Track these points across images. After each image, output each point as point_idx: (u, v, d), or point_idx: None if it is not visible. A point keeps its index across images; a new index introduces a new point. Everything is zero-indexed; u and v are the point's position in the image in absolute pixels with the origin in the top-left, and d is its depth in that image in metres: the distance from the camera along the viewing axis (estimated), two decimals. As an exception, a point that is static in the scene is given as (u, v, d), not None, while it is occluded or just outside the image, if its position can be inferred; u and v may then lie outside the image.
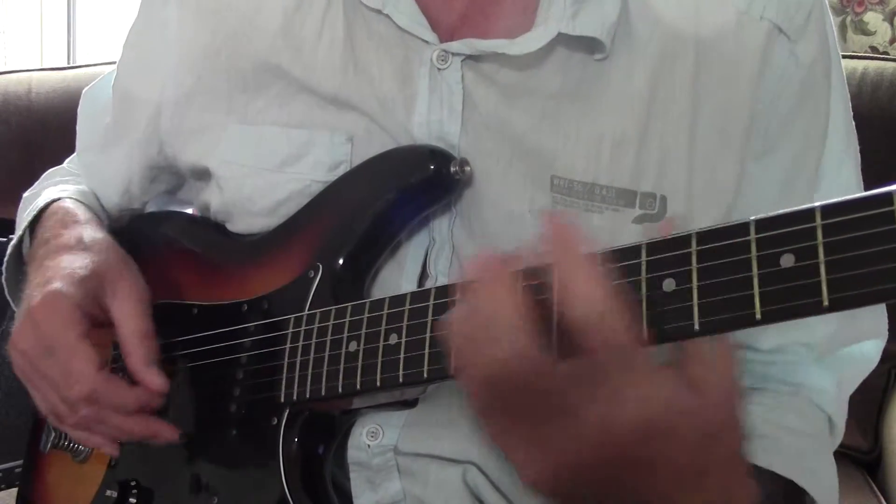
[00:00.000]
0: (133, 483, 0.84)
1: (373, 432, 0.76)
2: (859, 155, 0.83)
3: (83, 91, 1.07)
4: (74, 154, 1.08)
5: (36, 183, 1.05)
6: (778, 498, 0.74)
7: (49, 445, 0.93)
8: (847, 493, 1.39)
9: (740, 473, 0.58)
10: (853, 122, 0.83)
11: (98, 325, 0.80)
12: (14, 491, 1.16)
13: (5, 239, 1.26)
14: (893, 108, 1.48)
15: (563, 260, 0.51)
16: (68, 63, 3.09)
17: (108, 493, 0.84)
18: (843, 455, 1.52)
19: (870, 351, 0.85)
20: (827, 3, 0.81)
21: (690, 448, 0.52)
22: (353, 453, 0.77)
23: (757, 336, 0.81)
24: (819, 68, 0.78)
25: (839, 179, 0.80)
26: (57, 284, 0.79)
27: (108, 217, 1.00)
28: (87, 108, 1.05)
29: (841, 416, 0.85)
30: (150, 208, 1.01)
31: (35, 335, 0.78)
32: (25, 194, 1.03)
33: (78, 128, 1.07)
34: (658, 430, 0.50)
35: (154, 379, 0.78)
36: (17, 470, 1.16)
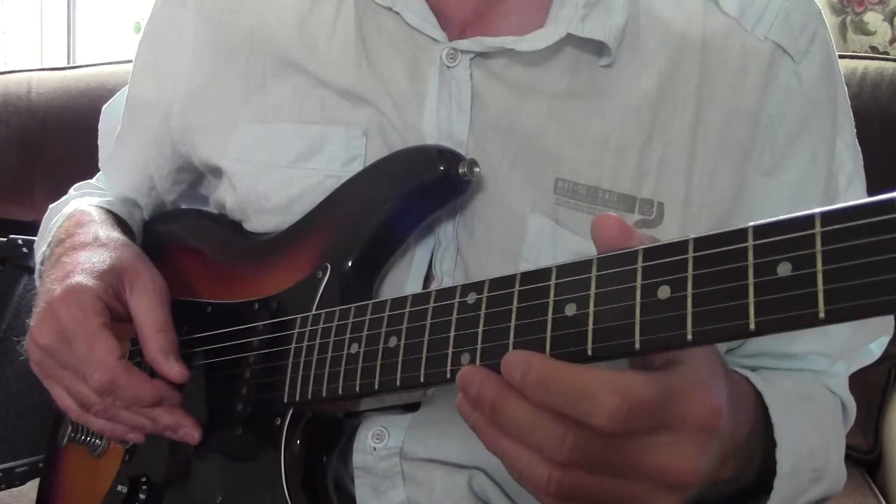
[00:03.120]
0: (144, 479, 0.84)
1: (378, 434, 0.76)
2: (864, 172, 0.85)
3: (103, 108, 1.09)
4: (101, 172, 1.09)
5: (64, 196, 1.06)
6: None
7: (66, 440, 0.93)
8: (847, 493, 1.39)
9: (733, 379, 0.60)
10: (857, 141, 0.84)
11: (118, 319, 0.80)
12: (14, 490, 1.17)
13: (5, 239, 1.26)
14: (893, 108, 1.48)
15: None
16: (68, 63, 3.09)
17: (119, 488, 0.85)
18: (844, 455, 1.52)
19: (872, 347, 0.87)
20: (827, 13, 0.82)
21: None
22: (358, 457, 0.77)
23: (773, 344, 0.82)
24: (822, 88, 0.80)
25: (851, 198, 0.81)
26: (78, 277, 0.79)
27: (141, 218, 1.01)
28: (106, 125, 1.08)
29: (849, 398, 0.85)
30: (181, 204, 1.03)
31: (56, 327, 0.77)
32: (52, 205, 1.04)
33: (99, 143, 1.09)
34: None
35: (173, 368, 0.78)
36: (18, 470, 1.16)
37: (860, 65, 1.55)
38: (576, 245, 0.75)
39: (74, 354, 0.77)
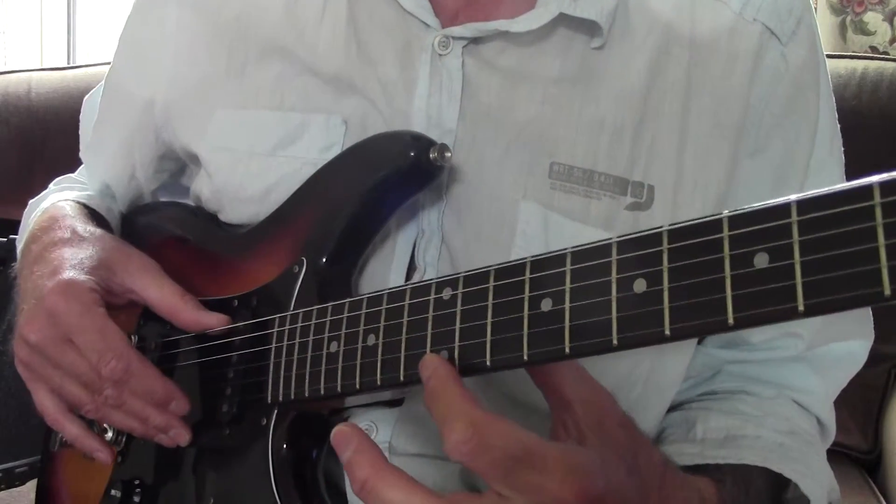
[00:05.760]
0: (137, 482, 0.83)
1: (366, 430, 0.76)
2: (843, 157, 0.85)
3: (84, 99, 1.08)
4: (83, 165, 1.09)
5: (44, 192, 1.05)
6: (755, 490, 0.74)
7: (58, 444, 0.93)
8: (847, 493, 1.39)
9: (674, 483, 0.60)
10: (838, 127, 0.85)
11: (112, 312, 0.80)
12: (14, 490, 1.16)
13: (5, 239, 1.26)
14: (893, 108, 1.48)
15: None
16: (68, 63, 3.10)
17: (113, 492, 0.84)
18: (843, 455, 1.52)
19: (856, 351, 0.86)
20: (825, 10, 0.83)
21: (620, 485, 0.53)
22: None
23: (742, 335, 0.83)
24: (808, 71, 0.81)
25: (821, 182, 0.81)
26: (69, 273, 0.78)
27: (119, 212, 1.01)
28: (87, 114, 1.07)
29: (830, 416, 0.85)
30: (161, 196, 1.02)
31: (52, 323, 0.76)
32: (31, 200, 1.03)
33: (80, 134, 1.08)
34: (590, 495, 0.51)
35: (213, 316, 0.78)
36: (18, 470, 1.16)
37: (860, 65, 1.54)
38: (569, 230, 0.74)
39: (76, 351, 0.76)
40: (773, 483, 0.75)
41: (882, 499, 1.43)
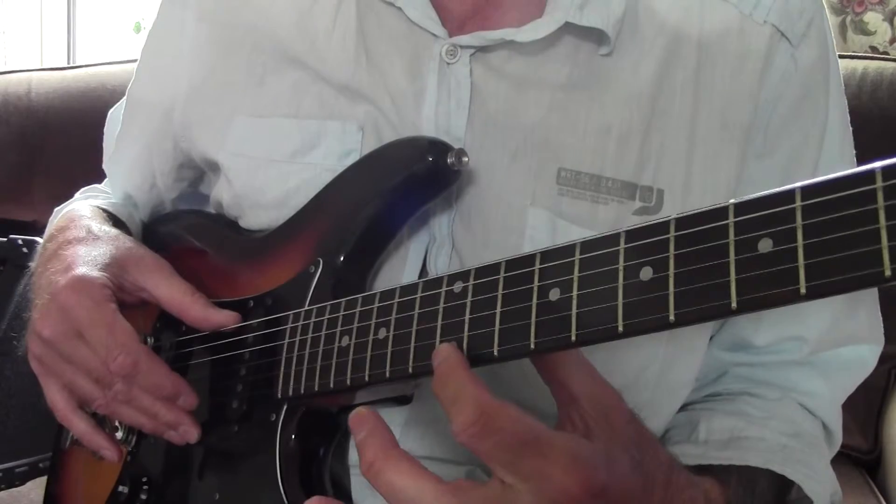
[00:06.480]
0: (144, 479, 0.84)
1: None
2: (855, 160, 0.85)
3: (109, 112, 1.10)
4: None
5: (71, 199, 1.07)
6: (760, 492, 0.74)
7: (69, 442, 0.93)
8: (847, 493, 1.39)
9: (680, 482, 0.60)
10: (850, 128, 0.85)
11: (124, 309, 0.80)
12: (14, 490, 1.16)
13: (5, 239, 1.26)
14: (893, 108, 1.48)
15: None
16: (68, 63, 3.10)
17: (121, 489, 0.85)
18: (843, 455, 1.52)
19: (865, 356, 0.86)
20: (826, 10, 0.83)
21: (624, 480, 0.53)
22: (354, 454, 0.76)
23: (752, 331, 0.82)
24: (818, 73, 0.81)
25: None
26: (82, 269, 0.79)
27: (140, 219, 1.02)
28: (111, 128, 1.08)
29: (836, 422, 0.85)
30: (181, 204, 1.03)
31: (64, 318, 0.77)
32: (57, 208, 1.04)
33: (104, 145, 1.10)
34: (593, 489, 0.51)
35: (221, 314, 0.79)
36: (18, 470, 1.16)
37: (860, 65, 1.54)
38: (576, 235, 0.74)
39: (87, 345, 0.77)
40: (777, 484, 0.75)
41: (882, 499, 1.43)
